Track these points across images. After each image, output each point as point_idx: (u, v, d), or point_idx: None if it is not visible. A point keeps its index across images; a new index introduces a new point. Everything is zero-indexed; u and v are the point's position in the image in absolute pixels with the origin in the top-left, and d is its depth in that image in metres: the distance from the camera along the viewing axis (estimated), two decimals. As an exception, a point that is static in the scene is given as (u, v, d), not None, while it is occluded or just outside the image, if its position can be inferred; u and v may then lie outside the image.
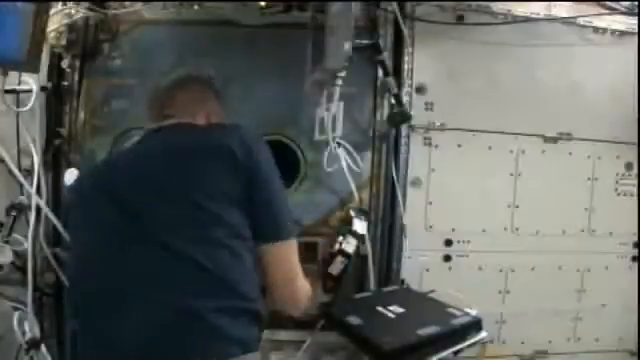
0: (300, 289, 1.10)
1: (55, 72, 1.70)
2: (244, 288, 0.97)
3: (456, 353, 1.27)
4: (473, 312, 1.38)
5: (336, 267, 1.53)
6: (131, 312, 0.92)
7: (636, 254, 1.97)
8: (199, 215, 0.97)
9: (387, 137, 1.77)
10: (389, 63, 1.72)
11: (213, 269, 0.94)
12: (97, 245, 1.00)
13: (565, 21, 1.85)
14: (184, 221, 0.97)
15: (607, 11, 1.85)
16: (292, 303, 1.11)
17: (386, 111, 1.76)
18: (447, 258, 1.84)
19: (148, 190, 1.00)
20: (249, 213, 1.02)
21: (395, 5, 1.69)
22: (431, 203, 1.83)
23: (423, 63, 1.80)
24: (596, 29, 1.89)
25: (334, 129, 1.60)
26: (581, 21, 1.86)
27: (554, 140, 1.89)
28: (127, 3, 1.72)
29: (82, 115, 1.74)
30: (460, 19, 1.80)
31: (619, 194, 1.96)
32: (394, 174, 1.75)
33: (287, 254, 1.08)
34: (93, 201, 1.05)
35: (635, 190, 1.96)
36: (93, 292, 0.97)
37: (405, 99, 1.75)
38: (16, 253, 1.59)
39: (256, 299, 1.00)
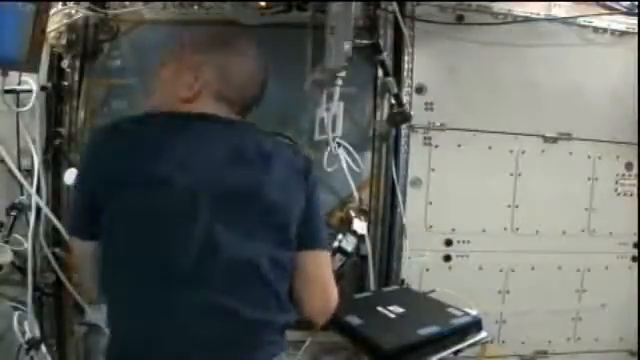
0: (332, 296, 1.11)
1: (55, 72, 1.70)
2: (287, 301, 1.02)
3: (456, 353, 1.27)
4: (473, 312, 1.38)
5: (334, 264, 1.53)
6: (177, 313, 0.89)
7: (636, 254, 1.97)
8: (264, 224, 0.98)
9: (387, 137, 1.77)
10: (389, 63, 1.72)
11: (269, 281, 0.96)
12: (142, 244, 0.92)
13: (565, 21, 1.85)
14: (250, 229, 0.96)
15: (607, 11, 1.85)
16: (324, 310, 1.11)
17: (386, 111, 1.76)
18: (447, 258, 1.84)
19: (211, 189, 0.94)
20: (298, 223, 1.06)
21: (395, 5, 1.69)
22: (431, 203, 1.83)
23: (423, 63, 1.79)
24: (596, 29, 1.88)
25: (334, 129, 1.59)
26: (581, 21, 1.86)
27: (554, 140, 1.89)
28: (127, 3, 1.72)
29: (82, 115, 1.74)
30: (460, 19, 1.80)
31: (619, 194, 1.96)
32: (394, 174, 1.75)
33: (325, 262, 1.12)
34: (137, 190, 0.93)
35: (635, 190, 1.96)
36: (138, 289, 0.92)
37: (405, 99, 1.75)
38: (16, 253, 1.59)
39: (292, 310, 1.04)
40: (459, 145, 1.83)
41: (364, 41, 1.66)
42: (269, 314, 0.96)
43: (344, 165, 1.66)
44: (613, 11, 1.85)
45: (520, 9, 1.82)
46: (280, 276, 0.99)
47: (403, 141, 1.78)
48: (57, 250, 1.67)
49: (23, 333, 1.59)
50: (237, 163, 0.98)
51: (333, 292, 1.11)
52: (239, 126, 1.07)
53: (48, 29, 1.46)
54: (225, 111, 1.06)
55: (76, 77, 1.72)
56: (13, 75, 1.52)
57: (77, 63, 1.72)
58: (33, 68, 1.39)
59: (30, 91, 1.58)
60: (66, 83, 1.70)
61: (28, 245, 1.59)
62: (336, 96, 1.54)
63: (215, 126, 1.02)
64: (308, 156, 1.16)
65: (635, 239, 1.96)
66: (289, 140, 1.75)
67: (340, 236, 1.61)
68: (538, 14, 1.83)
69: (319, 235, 1.11)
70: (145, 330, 0.90)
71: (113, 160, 0.95)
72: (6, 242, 1.58)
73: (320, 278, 1.10)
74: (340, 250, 1.56)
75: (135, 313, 0.92)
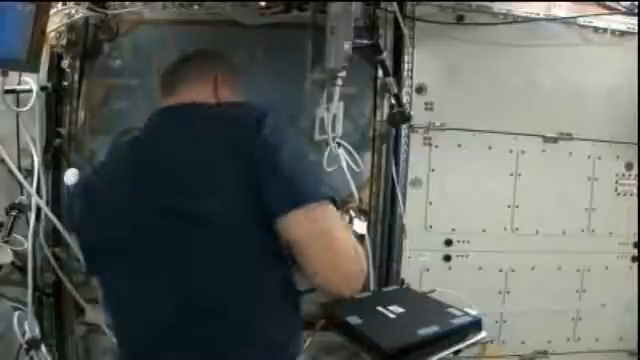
0: (340, 250, 0.87)
1: (55, 72, 1.70)
2: (271, 332, 0.90)
3: (456, 353, 1.27)
4: (473, 312, 1.38)
5: None
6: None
7: (636, 254, 1.97)
8: (207, 232, 0.87)
9: (387, 137, 1.78)
10: (389, 63, 1.72)
11: (233, 314, 0.87)
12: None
13: (565, 21, 1.84)
14: (183, 242, 0.87)
15: (607, 11, 1.85)
16: (336, 272, 0.88)
17: (386, 111, 1.76)
18: (447, 258, 1.84)
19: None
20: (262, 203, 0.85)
21: (395, 5, 1.69)
22: (431, 203, 1.83)
23: (423, 63, 1.79)
24: (596, 29, 1.88)
25: (334, 129, 1.60)
26: (581, 21, 1.86)
27: (554, 140, 1.89)
28: (127, 3, 1.72)
29: (82, 115, 1.74)
30: (460, 19, 1.80)
31: (619, 194, 1.96)
32: (394, 174, 1.75)
33: (310, 217, 0.85)
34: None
35: (635, 190, 1.96)
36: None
37: (405, 99, 1.75)
38: (16, 253, 1.59)
39: (288, 342, 0.93)
40: (459, 145, 1.83)
41: (364, 41, 1.66)
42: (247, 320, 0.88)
43: (344, 165, 1.66)
44: (613, 11, 1.85)
45: (520, 9, 1.82)
46: (250, 276, 0.88)
47: (403, 141, 1.78)
48: (57, 250, 1.68)
49: (23, 333, 1.59)
50: (155, 187, 0.92)
51: (341, 245, 0.87)
52: (170, 124, 1.00)
53: (48, 29, 1.46)
54: (198, 92, 1.05)
55: (76, 77, 1.73)
56: (13, 75, 1.52)
57: (77, 63, 1.73)
58: (33, 68, 1.39)
59: (30, 91, 1.58)
60: (66, 83, 1.71)
61: (28, 245, 1.59)
62: (336, 96, 1.54)
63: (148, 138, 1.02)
64: (261, 115, 0.93)
65: (635, 239, 1.96)
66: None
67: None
68: (538, 14, 1.83)
69: (288, 192, 0.85)
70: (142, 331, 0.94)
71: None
72: (6, 242, 1.57)
73: (310, 236, 0.86)
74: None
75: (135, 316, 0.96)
